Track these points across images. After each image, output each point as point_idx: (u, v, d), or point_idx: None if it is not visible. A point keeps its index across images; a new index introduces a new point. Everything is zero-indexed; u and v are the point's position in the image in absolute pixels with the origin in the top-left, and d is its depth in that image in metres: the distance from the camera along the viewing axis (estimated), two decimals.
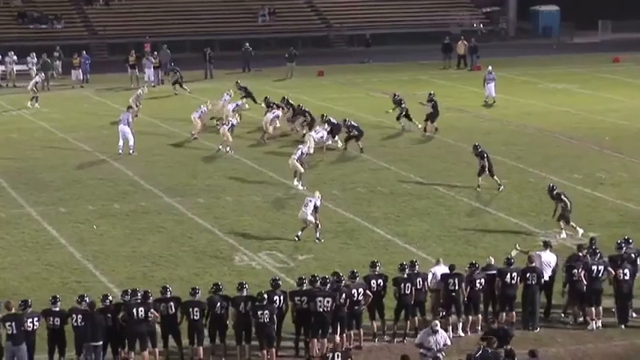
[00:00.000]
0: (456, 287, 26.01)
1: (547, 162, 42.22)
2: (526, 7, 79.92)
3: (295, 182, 38.14)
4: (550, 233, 32.21)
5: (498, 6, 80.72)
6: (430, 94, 48.35)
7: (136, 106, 49.40)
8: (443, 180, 39.43)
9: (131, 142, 43.63)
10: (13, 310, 23.84)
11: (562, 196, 32.80)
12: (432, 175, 40.21)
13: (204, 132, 46.32)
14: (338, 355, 22.69)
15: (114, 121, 47.73)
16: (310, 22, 78.07)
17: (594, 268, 26.62)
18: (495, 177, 38.16)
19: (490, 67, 55.33)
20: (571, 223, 32.55)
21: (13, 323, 23.54)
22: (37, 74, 57.24)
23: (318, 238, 32.48)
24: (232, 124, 43.62)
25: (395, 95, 48.72)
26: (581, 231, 32.39)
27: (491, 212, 35.82)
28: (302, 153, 38.14)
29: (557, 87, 59.53)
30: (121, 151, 43.41)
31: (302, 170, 38.11)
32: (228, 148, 43.32)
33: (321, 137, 42.94)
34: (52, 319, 24.09)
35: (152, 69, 60.96)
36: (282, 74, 61.74)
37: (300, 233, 32.23)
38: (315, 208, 32.40)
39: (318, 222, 32.54)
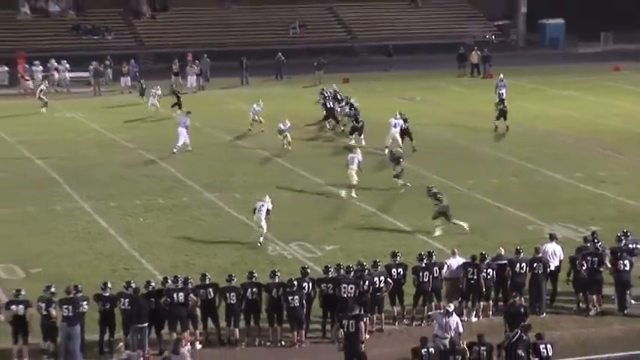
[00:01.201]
0: (475, 276, 26.09)
1: (554, 162, 42.12)
2: (534, 20, 79.75)
3: (344, 192, 37.21)
4: (556, 226, 32.21)
5: (509, 19, 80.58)
6: (500, 94, 49.44)
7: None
8: (457, 178, 39.37)
9: (179, 143, 43.79)
10: (72, 294, 24.08)
11: (437, 196, 32.87)
12: (447, 173, 40.11)
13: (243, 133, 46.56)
14: (351, 324, 22.90)
15: (157, 122, 48.02)
16: (337, 33, 78.09)
17: (593, 259, 26.64)
18: (400, 180, 37.78)
19: (502, 75, 55.23)
20: (452, 220, 32.60)
21: (70, 306, 23.79)
22: (41, 82, 57.16)
23: (260, 242, 31.53)
24: (281, 128, 43.81)
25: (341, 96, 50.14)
26: (465, 225, 32.53)
27: (501, 207, 35.77)
28: (358, 161, 37.55)
29: (563, 93, 59.30)
30: (174, 150, 43.65)
31: (356, 181, 37.35)
32: (289, 147, 43.80)
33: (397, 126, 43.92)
34: (102, 303, 24.31)
35: (194, 76, 61.22)
36: (311, 81, 61.70)
37: (261, 239, 31.60)
38: (267, 211, 31.78)
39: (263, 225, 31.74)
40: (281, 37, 74.93)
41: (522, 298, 26.53)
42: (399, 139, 43.46)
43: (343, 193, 37.00)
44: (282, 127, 43.74)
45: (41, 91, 54.87)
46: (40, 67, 61.07)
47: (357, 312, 23.51)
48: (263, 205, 31.74)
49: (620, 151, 44.28)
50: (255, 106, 48.32)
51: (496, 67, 65.27)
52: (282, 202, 36.16)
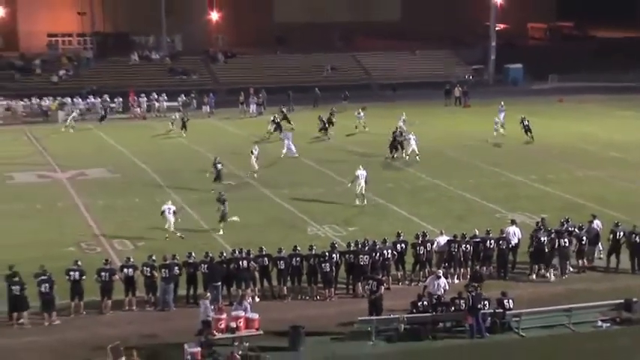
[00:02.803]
0: (456, 250, 26.09)
1: (514, 166, 41.92)
2: (501, 65, 79.31)
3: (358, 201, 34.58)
4: (516, 214, 32.03)
5: (482, 64, 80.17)
6: (522, 117, 49.64)
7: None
8: (445, 179, 39.27)
9: (284, 150, 43.66)
10: (167, 261, 24.23)
11: (224, 204, 31.00)
12: (438, 175, 40.03)
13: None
14: (374, 284, 22.93)
15: (227, 137, 48.09)
16: (357, 74, 77.96)
17: (544, 238, 26.53)
18: (223, 182, 36.94)
19: (502, 102, 54.45)
20: (227, 220, 31.03)
21: (167, 270, 24.05)
22: (73, 111, 56.17)
23: (167, 237, 29.76)
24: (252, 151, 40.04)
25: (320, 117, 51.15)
26: (221, 232, 30.50)
27: (478, 200, 35.65)
28: (365, 178, 34.91)
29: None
30: (282, 156, 43.51)
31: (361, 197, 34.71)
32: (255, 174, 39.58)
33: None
34: (188, 268, 24.44)
35: (255, 105, 61.04)
36: (339, 109, 61.46)
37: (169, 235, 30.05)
38: (174, 212, 30.20)
39: (171, 224, 30.04)
40: (317, 76, 74.82)
41: (492, 267, 26.59)
42: (416, 149, 43.17)
43: (357, 201, 34.48)
44: (254, 151, 39.99)
45: (74, 118, 54.21)
46: (145, 98, 61.22)
47: (380, 276, 23.88)
48: (170, 209, 30.17)
49: (563, 159, 44.01)
50: (272, 118, 49.84)
51: (473, 99, 65.05)
52: (318, 195, 36.15)
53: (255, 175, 39.14)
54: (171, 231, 30.18)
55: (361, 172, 34.96)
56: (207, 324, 21.54)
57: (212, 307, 21.94)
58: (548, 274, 26.43)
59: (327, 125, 50.45)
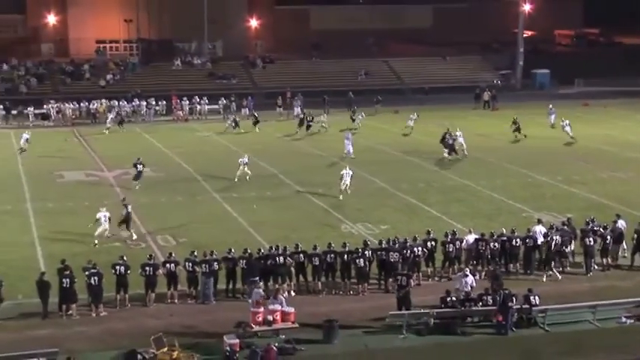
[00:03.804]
0: (484, 248, 25.96)
1: (541, 168, 41.56)
2: (528, 70, 78.63)
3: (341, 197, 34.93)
4: (542, 213, 31.74)
5: (510, 69, 79.59)
6: (514, 117, 51.11)
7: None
8: (474, 179, 39.03)
9: (349, 150, 43.66)
10: (207, 257, 24.34)
11: (127, 207, 29.67)
12: (467, 176, 39.80)
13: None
14: (403, 279, 22.89)
15: (269, 140, 48.25)
16: (390, 79, 77.75)
17: (556, 237, 26.24)
18: (134, 182, 36.67)
19: (551, 105, 55.92)
20: (130, 229, 29.60)
21: (207, 265, 24.11)
22: (109, 113, 55.99)
23: (102, 240, 28.78)
24: (240, 161, 39.26)
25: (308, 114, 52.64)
26: (134, 236, 29.30)
27: (505, 200, 35.40)
28: (350, 177, 35.68)
29: (547, 121, 58.20)
30: (344, 155, 43.64)
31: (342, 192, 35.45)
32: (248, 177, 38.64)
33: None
34: (227, 263, 24.54)
35: (299, 107, 60.57)
36: (372, 112, 61.42)
37: (96, 241, 28.80)
38: (109, 219, 28.96)
39: (107, 230, 28.91)
40: (351, 81, 74.73)
41: (518, 264, 26.42)
42: (464, 145, 44.26)
43: (341, 197, 34.95)
44: (241, 160, 38.93)
45: (112, 119, 54.31)
46: (187, 102, 61.57)
47: (407, 272, 23.87)
48: (106, 216, 28.88)
49: (587, 161, 43.58)
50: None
51: (502, 103, 64.61)
52: (351, 195, 36.00)
53: (236, 180, 38.16)
54: (105, 237, 28.93)
55: (346, 172, 35.58)
56: None
57: (252, 299, 22.03)
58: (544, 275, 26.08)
59: (310, 124, 51.38)
